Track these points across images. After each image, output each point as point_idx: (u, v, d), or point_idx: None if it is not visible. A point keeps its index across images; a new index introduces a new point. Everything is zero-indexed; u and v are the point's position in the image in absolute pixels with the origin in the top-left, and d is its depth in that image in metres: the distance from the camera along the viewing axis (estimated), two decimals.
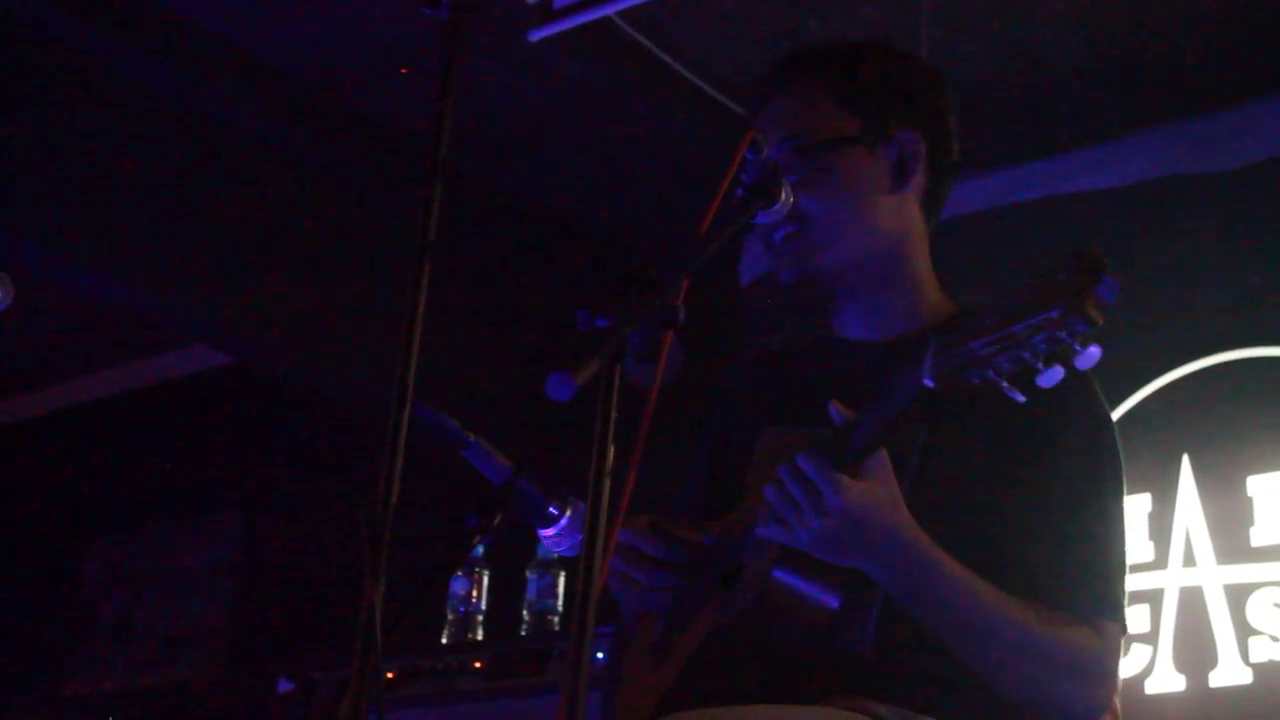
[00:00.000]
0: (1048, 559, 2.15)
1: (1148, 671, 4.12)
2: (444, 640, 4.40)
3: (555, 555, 4.28)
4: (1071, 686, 2.12)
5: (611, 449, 1.70)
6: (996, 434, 2.20)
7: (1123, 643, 2.20)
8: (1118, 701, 2.30)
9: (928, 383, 1.87)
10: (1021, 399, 1.82)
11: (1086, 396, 2.27)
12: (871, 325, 2.36)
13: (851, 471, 1.99)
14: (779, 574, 2.10)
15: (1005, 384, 1.80)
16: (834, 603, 2.10)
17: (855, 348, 2.37)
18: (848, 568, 2.08)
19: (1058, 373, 1.75)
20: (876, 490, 2.00)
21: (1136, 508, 4.23)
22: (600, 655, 3.20)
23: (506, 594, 4.52)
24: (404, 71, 4.62)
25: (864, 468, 2.00)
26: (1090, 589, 2.15)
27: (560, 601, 4.41)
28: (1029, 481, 2.18)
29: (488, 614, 4.48)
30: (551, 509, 2.24)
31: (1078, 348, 1.73)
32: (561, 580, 4.43)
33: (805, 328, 2.43)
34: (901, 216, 2.35)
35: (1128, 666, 4.08)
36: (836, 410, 2.04)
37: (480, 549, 4.42)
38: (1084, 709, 2.15)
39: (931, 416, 2.17)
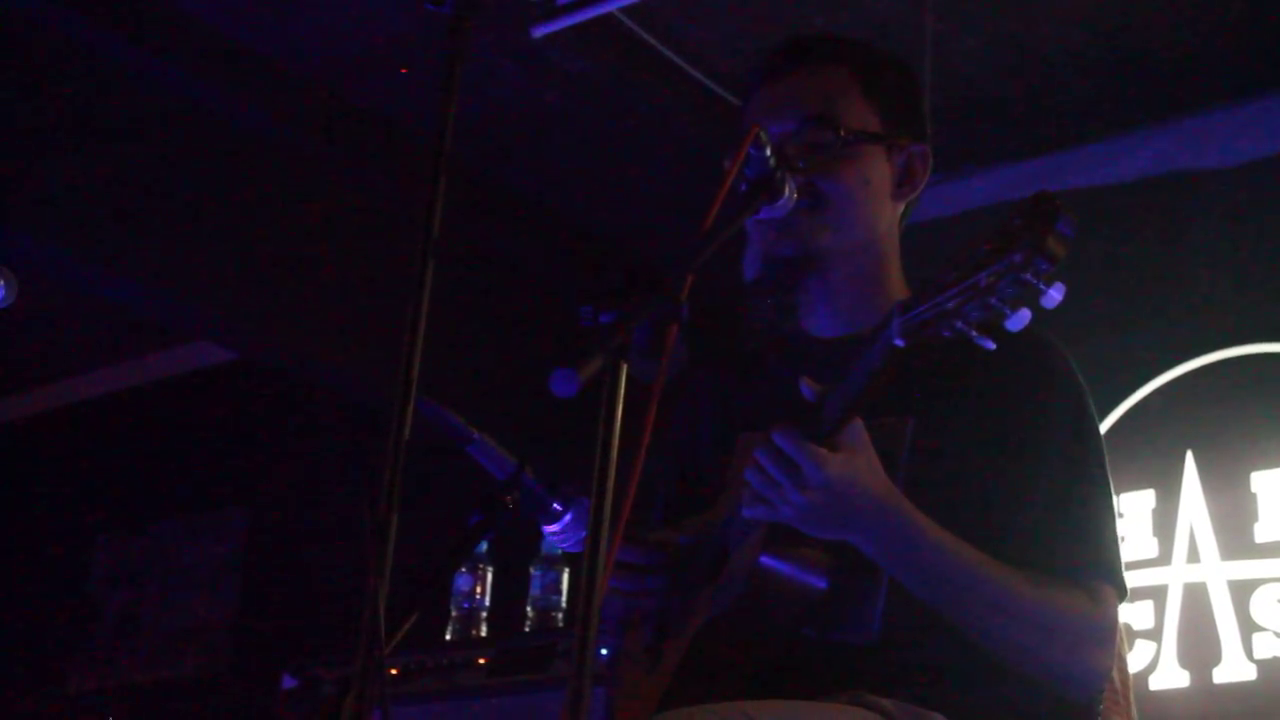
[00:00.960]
0: (1040, 528, 2.16)
1: (1152, 668, 4.12)
2: (448, 637, 4.40)
3: (559, 551, 4.27)
4: (1070, 652, 2.12)
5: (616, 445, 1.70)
6: (982, 416, 2.22)
7: (1119, 607, 2.20)
8: (1132, 698, 2.31)
9: (898, 342, 1.88)
10: (991, 345, 1.83)
11: (1066, 372, 2.29)
12: (844, 323, 2.37)
13: (829, 444, 2.00)
14: (765, 559, 2.10)
15: (974, 333, 1.81)
16: (822, 584, 2.11)
17: (826, 346, 2.37)
18: (835, 550, 2.09)
19: (1025, 315, 1.78)
20: (855, 460, 2.01)
21: (1140, 504, 4.24)
22: (604, 651, 3.20)
23: (510, 590, 4.52)
24: (404, 71, 4.62)
25: (841, 439, 2.01)
26: (1083, 553, 2.17)
27: (564, 598, 4.41)
28: (1018, 457, 2.20)
29: (492, 610, 4.48)
30: (555, 505, 2.23)
31: (1042, 287, 1.75)
32: (565, 576, 4.43)
33: (776, 326, 2.42)
34: (892, 223, 2.39)
35: (1132, 663, 4.08)
36: (808, 387, 2.04)
37: (484, 545, 4.42)
38: (1085, 675, 2.15)
39: (917, 407, 2.19)
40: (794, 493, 1.98)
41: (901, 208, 2.40)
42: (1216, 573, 4.10)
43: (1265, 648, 4.00)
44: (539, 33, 4.29)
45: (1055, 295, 1.75)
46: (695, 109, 4.64)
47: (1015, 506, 2.17)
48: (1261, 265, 4.28)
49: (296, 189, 5.13)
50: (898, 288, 2.38)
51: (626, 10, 4.27)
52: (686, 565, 2.29)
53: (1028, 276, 1.74)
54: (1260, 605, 4.02)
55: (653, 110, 4.73)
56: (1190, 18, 4.19)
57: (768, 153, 2.11)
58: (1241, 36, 4.25)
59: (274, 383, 6.26)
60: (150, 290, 5.00)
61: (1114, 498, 2.24)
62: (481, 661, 4.05)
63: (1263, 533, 4.07)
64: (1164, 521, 4.20)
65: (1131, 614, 4.15)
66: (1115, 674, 2.30)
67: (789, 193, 2.16)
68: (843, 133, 2.29)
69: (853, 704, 2.06)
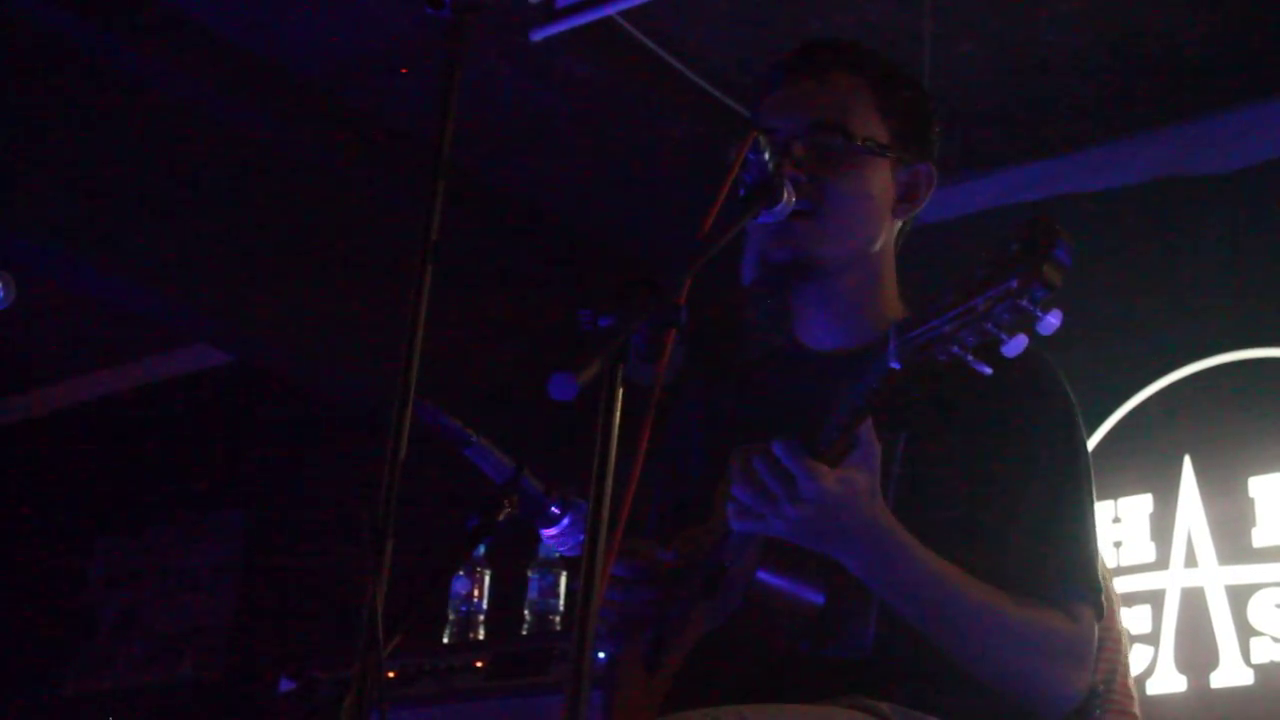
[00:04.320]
0: (1025, 550, 2.17)
1: (1149, 672, 4.12)
2: (446, 640, 4.40)
3: (557, 555, 4.27)
4: (1048, 671, 2.14)
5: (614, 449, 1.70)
6: (973, 432, 2.22)
7: (1097, 627, 2.21)
8: (1136, 699, 2.31)
9: (894, 365, 1.88)
10: (988, 370, 1.83)
11: (1056, 390, 2.30)
12: (839, 336, 2.37)
13: (827, 460, 2.00)
14: (762, 575, 2.11)
15: (970, 357, 1.81)
16: (819, 599, 2.11)
17: (822, 359, 2.37)
18: (831, 566, 2.09)
19: (1021, 341, 1.78)
20: (855, 478, 2.01)
21: (1138, 508, 4.24)
22: (602, 655, 3.20)
23: (508, 594, 4.52)
24: (404, 71, 4.62)
25: (849, 456, 2.01)
26: (1066, 575, 2.18)
27: (562, 601, 4.41)
28: (1006, 478, 2.21)
29: (489, 614, 4.48)
30: (553, 508, 2.24)
31: (1039, 314, 1.75)
32: (563, 580, 4.42)
33: (772, 331, 2.43)
34: (889, 238, 2.39)
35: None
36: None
37: (482, 549, 4.42)
38: (1062, 693, 2.16)
39: (909, 423, 2.19)
40: (787, 505, 1.99)
41: (899, 224, 2.40)
42: (1214, 577, 4.10)
43: (1263, 653, 3.99)
44: (538, 36, 4.28)
45: (1053, 321, 1.75)
46: (694, 112, 4.63)
47: (1002, 527, 2.18)
48: (1261, 270, 4.28)
49: (295, 192, 5.13)
50: (893, 303, 2.38)
51: (625, 14, 4.27)
52: (683, 578, 2.29)
53: (1024, 303, 1.74)
54: (1258, 610, 4.02)
55: (651, 113, 4.73)
56: (1189, 22, 4.19)
57: (766, 157, 2.11)
58: (1240, 41, 4.25)
59: (272, 385, 6.25)
60: (148, 292, 5.01)
61: (1094, 517, 2.25)
62: (479, 665, 4.05)
63: (1260, 538, 4.07)
64: (1162, 526, 4.20)
65: (1129, 619, 4.15)
66: (1126, 681, 2.30)
67: (787, 197, 2.16)
68: (853, 141, 2.29)
69: (850, 707, 2.07)
